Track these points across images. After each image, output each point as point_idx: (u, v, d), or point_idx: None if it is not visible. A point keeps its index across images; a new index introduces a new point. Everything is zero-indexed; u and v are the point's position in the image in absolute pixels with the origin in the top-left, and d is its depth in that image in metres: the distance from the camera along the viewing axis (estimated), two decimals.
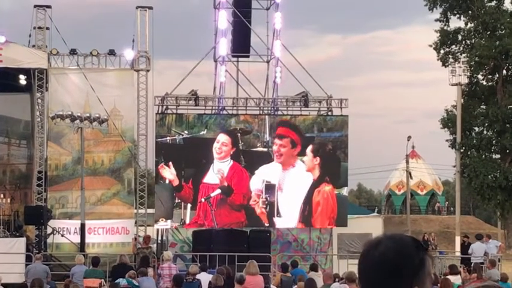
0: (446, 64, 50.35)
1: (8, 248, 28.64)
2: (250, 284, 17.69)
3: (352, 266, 21.34)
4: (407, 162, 61.74)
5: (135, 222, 34.47)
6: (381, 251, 2.95)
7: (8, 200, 34.45)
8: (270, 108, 35.78)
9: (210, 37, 37.09)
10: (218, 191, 32.76)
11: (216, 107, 35.34)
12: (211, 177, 32.98)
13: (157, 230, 34.06)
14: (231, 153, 33.23)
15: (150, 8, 35.64)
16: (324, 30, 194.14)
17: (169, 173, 32.64)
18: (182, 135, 33.21)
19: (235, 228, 32.64)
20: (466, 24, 51.90)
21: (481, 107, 51.28)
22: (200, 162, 33.21)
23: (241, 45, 36.35)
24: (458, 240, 42.49)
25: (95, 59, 34.77)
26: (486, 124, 50.16)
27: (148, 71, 35.36)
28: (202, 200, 32.64)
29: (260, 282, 18.49)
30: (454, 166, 49.71)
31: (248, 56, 37.23)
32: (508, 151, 49.87)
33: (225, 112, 35.40)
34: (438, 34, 51.77)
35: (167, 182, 33.07)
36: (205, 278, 20.30)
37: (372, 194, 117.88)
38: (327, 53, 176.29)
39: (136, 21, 35.43)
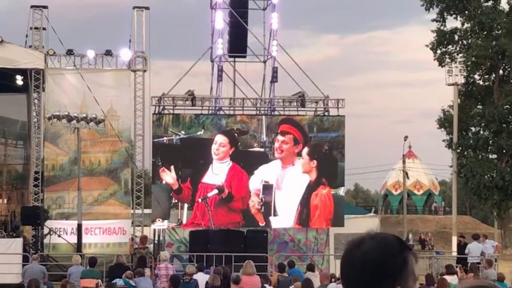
0: (443, 64, 50.36)
1: (5, 248, 28.63)
2: (247, 284, 17.70)
3: None
4: (404, 162, 61.77)
5: (132, 223, 34.47)
6: (363, 250, 2.93)
7: (5, 201, 34.47)
8: (266, 109, 35.80)
9: (206, 37, 37.16)
10: (215, 191, 32.76)
11: (213, 107, 35.35)
12: (210, 177, 32.97)
13: (154, 230, 34.07)
14: (230, 153, 33.23)
15: (147, 8, 35.65)
16: (321, 31, 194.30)
17: (169, 176, 32.64)
18: (179, 135, 33.20)
19: (232, 228, 32.66)
20: (463, 24, 51.93)
21: (478, 107, 51.31)
22: (197, 162, 33.21)
23: (238, 45, 36.37)
24: (455, 240, 42.50)
25: (91, 60, 34.77)
26: (483, 124, 50.19)
27: (145, 71, 35.36)
28: (199, 200, 32.64)
29: (257, 282, 18.50)
30: (451, 166, 49.72)
31: (245, 56, 37.26)
32: (504, 151, 49.91)
33: (221, 112, 35.41)
34: (435, 34, 51.80)
35: (164, 182, 33.07)
36: (202, 278, 20.31)
37: (368, 194, 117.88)
38: (323, 53, 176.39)
39: (133, 21, 35.41)
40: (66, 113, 30.48)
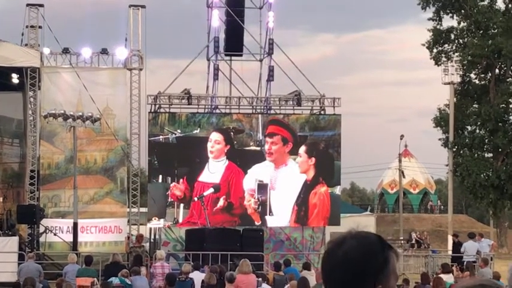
0: (439, 63, 50.48)
1: (1, 247, 28.60)
2: (243, 283, 17.69)
3: None
4: (400, 161, 61.83)
5: (128, 221, 34.45)
6: (345, 249, 2.93)
7: (1, 199, 34.43)
8: (262, 107, 35.79)
9: (203, 36, 37.11)
10: (211, 190, 32.75)
11: (209, 106, 35.34)
12: (207, 176, 32.96)
13: (150, 228, 34.05)
14: (225, 151, 33.22)
15: (143, 6, 35.61)
16: (317, 29, 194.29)
17: (178, 190, 32.65)
18: (175, 134, 33.19)
19: (228, 227, 32.65)
20: (459, 23, 52.07)
21: (474, 106, 51.44)
22: (193, 161, 33.21)
23: (234, 44, 36.34)
24: (450, 239, 42.55)
25: (87, 58, 34.74)
26: (478, 123, 50.32)
27: (141, 69, 35.34)
28: (195, 199, 32.63)
29: (253, 281, 18.49)
30: (447, 165, 49.79)
31: (241, 55, 37.22)
32: (500, 150, 50.03)
33: (218, 111, 35.41)
34: (431, 33, 51.90)
35: (160, 181, 33.09)
36: (198, 276, 20.30)
37: (364, 192, 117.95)
38: (320, 52, 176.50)
39: (129, 20, 35.40)
40: (62, 112, 30.45)
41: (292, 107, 35.53)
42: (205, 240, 30.71)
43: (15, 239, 29.67)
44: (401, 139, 62.04)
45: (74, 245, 30.54)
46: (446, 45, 52.15)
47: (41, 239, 32.66)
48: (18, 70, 34.17)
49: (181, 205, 33.02)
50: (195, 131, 33.38)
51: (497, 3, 51.37)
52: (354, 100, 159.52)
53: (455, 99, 48.66)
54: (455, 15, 51.79)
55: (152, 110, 34.02)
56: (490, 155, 51.33)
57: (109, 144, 34.88)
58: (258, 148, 33.71)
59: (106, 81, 34.98)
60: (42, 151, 34.55)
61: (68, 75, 34.54)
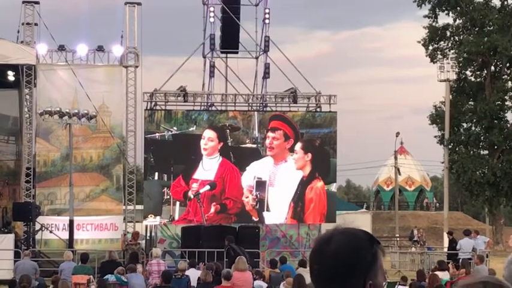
0: (435, 60, 50.53)
1: None
2: (239, 280, 17.70)
3: None
4: (395, 158, 61.91)
5: (124, 219, 34.46)
6: (334, 246, 2.92)
7: None
8: (258, 105, 35.80)
9: (199, 33, 37.07)
10: (207, 187, 32.75)
11: (205, 103, 35.34)
12: (201, 173, 32.97)
13: (146, 226, 34.05)
14: (219, 148, 33.23)
15: (139, 3, 35.59)
16: (313, 27, 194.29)
17: (180, 189, 32.70)
18: (171, 131, 33.18)
19: (224, 224, 32.64)
20: (455, 20, 52.11)
21: (469, 103, 51.49)
22: (189, 158, 33.21)
23: (230, 41, 36.31)
24: (446, 236, 42.60)
25: (83, 55, 34.70)
26: (474, 120, 50.38)
27: (137, 67, 35.32)
28: (192, 196, 32.63)
29: (249, 278, 18.50)
30: (443, 162, 49.88)
31: (237, 52, 37.20)
32: (496, 147, 50.08)
33: (213, 108, 35.41)
34: (427, 30, 51.93)
35: (156, 178, 33.11)
36: (194, 274, 20.32)
37: (360, 190, 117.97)
38: (315, 49, 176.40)
39: (124, 17, 35.38)
40: (58, 109, 30.41)
41: (288, 104, 35.53)
42: (201, 237, 30.68)
43: (11, 236, 29.66)
44: (397, 136, 62.20)
45: (70, 242, 30.52)
46: (442, 43, 52.19)
47: (37, 237, 32.64)
48: (14, 67, 34.13)
49: (178, 202, 33.02)
50: (191, 129, 33.39)
51: (493, 1, 51.43)
52: (350, 97, 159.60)
53: (451, 96, 48.71)
54: (451, 12, 51.83)
55: (148, 108, 34.02)
56: (486, 152, 51.38)
57: (105, 142, 34.85)
58: (254, 145, 33.74)
59: (102, 78, 34.95)
60: (38, 148, 34.51)
61: (64, 73, 34.50)
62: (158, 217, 32.97)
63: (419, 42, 51.94)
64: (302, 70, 36.26)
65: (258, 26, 36.92)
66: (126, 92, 35.02)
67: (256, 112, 34.57)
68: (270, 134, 33.48)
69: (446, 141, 48.23)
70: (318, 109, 35.47)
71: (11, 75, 35.07)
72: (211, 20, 35.80)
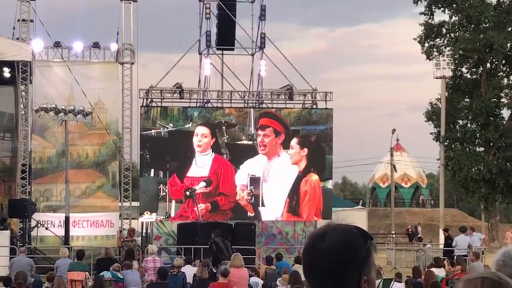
0: (431, 57, 50.48)
1: None
2: (236, 277, 17.70)
3: None
4: (391, 155, 61.91)
5: (120, 215, 34.45)
6: (329, 243, 2.92)
7: None
8: (254, 101, 35.79)
9: (195, 30, 37.08)
10: (203, 184, 32.75)
11: (201, 100, 35.33)
12: (195, 170, 32.96)
13: (142, 223, 34.06)
14: (211, 144, 33.23)
15: (135, 0, 35.53)
16: (310, 24, 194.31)
17: (176, 188, 32.71)
18: (167, 128, 33.17)
19: (220, 221, 32.65)
20: (451, 17, 52.08)
21: (465, 100, 51.49)
22: (185, 155, 33.19)
23: (226, 38, 36.30)
24: (442, 233, 42.65)
25: (79, 52, 34.67)
26: (470, 117, 50.38)
27: (132, 63, 35.31)
28: (187, 193, 32.62)
29: (245, 275, 18.50)
30: (438, 159, 49.85)
31: (233, 49, 37.19)
32: (491, 144, 50.10)
33: (209, 105, 35.40)
34: (423, 27, 51.91)
35: (152, 175, 33.11)
36: (189, 270, 20.33)
37: (356, 187, 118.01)
38: (312, 46, 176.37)
39: (120, 13, 35.34)
40: (54, 106, 30.38)
41: (284, 101, 35.54)
42: (197, 234, 30.69)
43: (7, 233, 29.62)
44: (393, 133, 62.16)
45: (66, 239, 30.50)
46: (438, 40, 52.16)
47: (33, 233, 32.62)
48: (10, 64, 34.09)
49: (174, 199, 33.02)
50: (187, 125, 33.38)
51: None
52: (346, 94, 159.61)
53: (446, 93, 48.68)
54: (446, 9, 51.80)
55: (144, 104, 34.00)
56: (482, 149, 51.39)
57: (101, 139, 34.83)
58: (250, 142, 33.74)
59: (98, 75, 34.93)
60: (34, 145, 34.48)
61: (60, 69, 34.46)
62: (154, 214, 32.97)
63: (415, 39, 51.92)
64: (298, 67, 36.31)
65: (254, 23, 36.96)
66: (122, 88, 35.00)
67: (252, 109, 34.56)
68: (260, 132, 33.53)
69: (442, 138, 48.22)
70: (314, 106, 35.49)
71: (6, 72, 35.01)
72: (207, 16, 35.78)
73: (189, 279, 19.65)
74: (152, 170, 33.36)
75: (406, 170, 74.42)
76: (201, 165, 33.06)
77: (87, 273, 21.58)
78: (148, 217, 33.16)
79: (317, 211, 33.87)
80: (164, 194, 32.97)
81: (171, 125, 33.25)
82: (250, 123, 33.83)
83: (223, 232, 30.88)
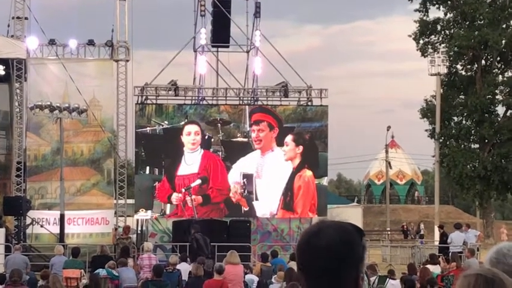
0: (426, 54, 50.51)
1: None
2: (231, 274, 17.70)
3: None
4: (386, 152, 61.92)
5: (115, 213, 34.44)
6: (326, 240, 2.90)
7: None
8: (249, 99, 35.79)
9: (189, 27, 37.04)
10: (198, 181, 32.75)
11: (196, 97, 35.31)
12: (184, 168, 32.90)
13: (137, 220, 34.03)
14: (200, 141, 33.22)
15: None
16: (304, 21, 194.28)
17: (166, 190, 32.72)
18: (162, 125, 33.15)
19: (215, 218, 32.65)
20: (445, 14, 52.07)
21: (460, 97, 51.49)
22: (181, 152, 33.17)
23: (221, 35, 36.26)
24: (437, 229, 42.68)
25: (74, 49, 34.64)
26: (465, 114, 50.40)
27: (127, 61, 35.29)
28: (183, 190, 32.62)
29: (240, 271, 18.51)
30: (433, 156, 49.87)
31: (228, 46, 37.17)
32: (486, 141, 50.13)
33: (204, 102, 35.39)
34: (417, 24, 51.91)
35: (147, 172, 33.10)
36: (185, 268, 20.33)
37: (351, 183, 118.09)
38: (306, 43, 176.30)
39: (115, 11, 35.33)
40: (49, 103, 30.33)
41: (279, 98, 35.55)
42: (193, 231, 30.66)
43: (2, 230, 29.60)
44: (388, 130, 62.19)
45: (61, 236, 30.48)
46: (432, 37, 52.16)
47: (28, 231, 32.59)
48: (4, 61, 34.05)
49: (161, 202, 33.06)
50: (182, 123, 33.35)
51: None
52: (341, 91, 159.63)
53: (441, 90, 48.69)
54: (441, 6, 51.79)
55: (139, 102, 33.98)
56: (477, 145, 51.41)
57: (96, 136, 34.81)
58: (245, 139, 33.74)
59: (92, 72, 34.91)
60: (29, 143, 34.46)
61: (54, 67, 34.43)
62: (149, 211, 32.97)
63: (410, 36, 51.94)
64: (293, 64, 36.32)
65: (249, 20, 36.94)
66: (117, 86, 34.99)
67: (247, 106, 34.56)
68: (254, 127, 33.53)
69: (437, 135, 48.23)
70: (309, 103, 35.50)
71: (1, 69, 34.95)
72: (202, 14, 35.75)
73: (185, 277, 19.65)
74: (147, 168, 33.36)
75: (401, 167, 74.50)
76: (190, 162, 33.02)
77: (82, 270, 21.55)
78: (143, 214, 33.15)
79: (312, 207, 33.86)
80: (161, 201, 33.01)
81: (166, 122, 33.23)
82: (245, 120, 33.82)
83: (218, 230, 30.96)
